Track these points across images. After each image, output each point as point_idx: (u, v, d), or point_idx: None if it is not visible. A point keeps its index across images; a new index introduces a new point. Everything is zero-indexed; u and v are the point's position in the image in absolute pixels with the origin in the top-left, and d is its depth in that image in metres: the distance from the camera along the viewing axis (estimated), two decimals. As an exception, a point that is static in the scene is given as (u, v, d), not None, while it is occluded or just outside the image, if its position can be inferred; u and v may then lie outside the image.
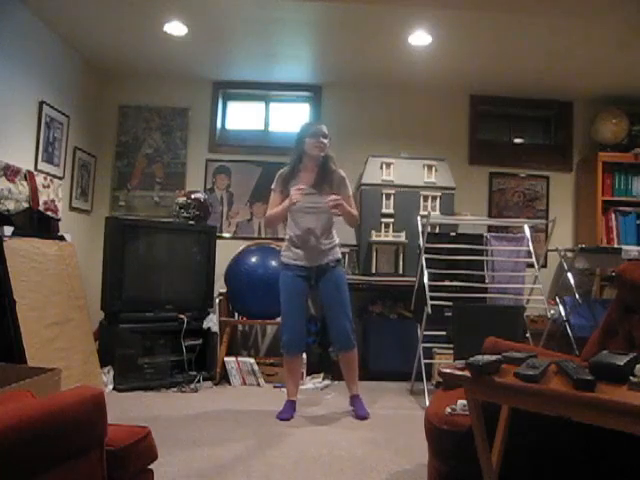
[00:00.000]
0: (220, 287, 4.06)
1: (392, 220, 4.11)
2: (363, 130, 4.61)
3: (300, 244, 3.02)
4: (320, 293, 3.09)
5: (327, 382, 3.85)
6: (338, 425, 2.90)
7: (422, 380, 3.40)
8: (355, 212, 3.08)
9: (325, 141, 3.00)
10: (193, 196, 4.07)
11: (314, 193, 3.00)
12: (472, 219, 4.18)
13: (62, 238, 3.41)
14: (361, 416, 3.01)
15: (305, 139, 3.01)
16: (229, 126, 4.81)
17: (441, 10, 3.27)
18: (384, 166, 4.18)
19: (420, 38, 3.61)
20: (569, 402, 1.25)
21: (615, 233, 4.27)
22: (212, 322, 3.84)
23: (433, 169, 4.21)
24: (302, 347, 3.11)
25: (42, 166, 3.63)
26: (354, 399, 3.12)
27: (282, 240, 4.45)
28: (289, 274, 3.03)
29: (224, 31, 3.67)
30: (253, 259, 3.96)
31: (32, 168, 3.46)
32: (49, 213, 3.44)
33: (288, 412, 3.01)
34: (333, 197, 2.89)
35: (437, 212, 4.10)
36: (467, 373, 1.41)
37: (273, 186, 3.11)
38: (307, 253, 3.01)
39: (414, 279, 3.66)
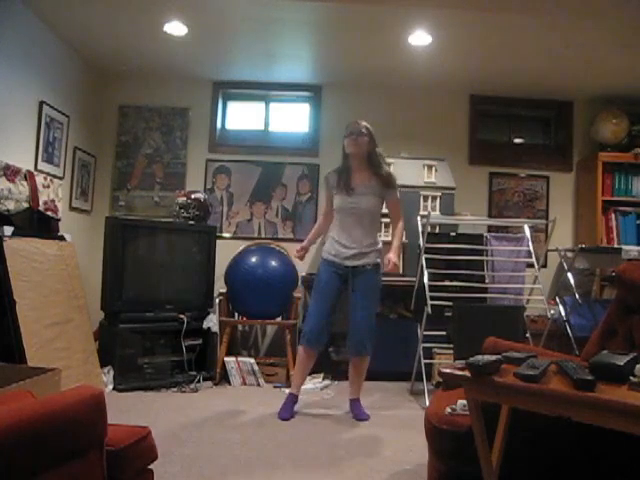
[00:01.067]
0: (220, 287, 4.06)
1: (392, 220, 4.10)
2: (363, 130, 4.61)
3: (341, 242, 3.01)
4: (349, 293, 3.06)
5: (327, 382, 3.85)
6: (338, 425, 2.90)
7: (422, 380, 3.40)
8: (401, 234, 3.10)
9: (361, 138, 2.96)
10: (193, 196, 4.07)
11: (359, 193, 2.98)
12: (472, 219, 4.18)
13: (62, 238, 3.41)
14: (360, 418, 3.00)
15: (344, 140, 3.01)
16: (229, 126, 4.81)
17: (441, 10, 3.27)
18: (384, 166, 4.18)
19: (420, 38, 3.61)
20: (569, 402, 1.25)
21: (615, 233, 4.27)
22: (212, 322, 3.84)
23: (433, 169, 4.21)
24: (321, 343, 3.05)
25: (42, 166, 3.63)
26: (354, 403, 3.11)
27: (282, 240, 4.50)
28: (327, 269, 3.03)
29: (224, 31, 3.67)
30: (253, 259, 3.96)
31: (32, 168, 3.46)
32: (49, 213, 3.44)
33: (288, 410, 3.00)
34: (390, 260, 2.90)
35: (437, 212, 4.10)
36: (467, 373, 1.41)
37: (323, 188, 3.14)
38: (347, 252, 2.99)
39: (414, 279, 3.66)
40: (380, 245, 3.10)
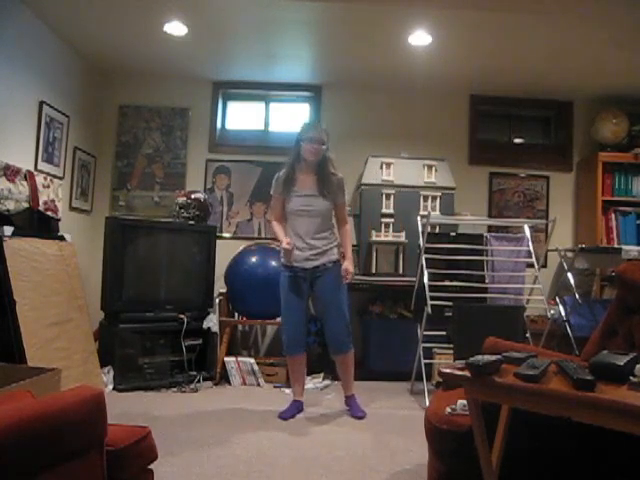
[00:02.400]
0: (220, 287, 4.06)
1: (392, 220, 4.11)
2: (363, 130, 4.61)
3: (297, 246, 3.00)
4: (315, 295, 3.09)
5: (327, 382, 3.85)
6: (338, 425, 2.90)
7: (422, 380, 3.40)
8: (350, 239, 3.14)
9: (322, 147, 2.95)
10: (193, 196, 4.07)
11: (310, 195, 2.99)
12: (472, 219, 4.18)
13: (62, 238, 3.40)
14: (357, 416, 3.01)
15: (301, 143, 2.97)
16: (229, 126, 4.80)
17: (441, 10, 3.27)
18: (384, 166, 4.18)
19: (420, 38, 3.61)
20: (569, 402, 1.25)
21: (615, 233, 4.27)
22: (212, 322, 3.84)
23: (433, 169, 4.21)
24: (303, 346, 3.10)
25: (42, 166, 3.63)
26: (349, 399, 3.13)
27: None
28: (288, 275, 3.03)
29: (224, 31, 3.67)
30: (253, 259, 3.96)
31: (32, 168, 3.46)
32: (49, 213, 3.44)
33: (290, 412, 3.01)
34: (347, 272, 2.94)
35: (437, 212, 4.10)
36: (467, 373, 1.41)
37: (272, 191, 3.10)
38: (304, 254, 3.00)
39: (414, 279, 3.66)
40: (337, 241, 3.10)
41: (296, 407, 3.07)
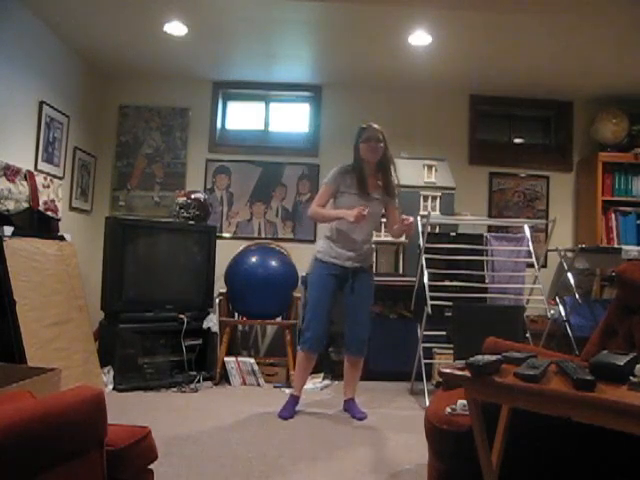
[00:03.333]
0: (220, 287, 4.06)
1: (392, 220, 4.11)
2: (363, 130, 4.60)
3: (343, 244, 2.98)
4: (347, 295, 3.04)
5: (327, 382, 3.85)
6: (338, 425, 2.90)
7: (422, 380, 3.40)
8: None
9: (379, 146, 2.94)
10: (193, 196, 4.07)
11: (369, 197, 2.96)
12: (472, 219, 4.18)
13: (62, 238, 3.40)
14: (358, 418, 3.01)
15: (359, 144, 2.96)
16: (229, 126, 4.81)
17: (441, 10, 3.27)
18: (384, 166, 4.18)
19: (420, 38, 3.61)
20: (569, 402, 1.25)
21: (615, 233, 4.27)
22: (212, 322, 3.84)
23: (433, 169, 4.21)
24: (322, 347, 3.11)
25: (42, 166, 3.63)
26: (350, 402, 3.12)
27: (282, 240, 4.49)
28: (325, 271, 3.00)
29: (224, 31, 3.67)
30: (253, 259, 3.96)
31: (32, 168, 3.46)
32: (49, 213, 3.44)
33: (289, 410, 3.01)
34: (412, 220, 2.80)
35: (437, 212, 4.10)
36: (467, 373, 1.41)
37: (326, 180, 3.03)
38: (348, 254, 2.98)
39: (414, 279, 3.66)
40: (373, 246, 3.11)
41: (293, 402, 3.06)
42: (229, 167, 4.61)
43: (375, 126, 2.99)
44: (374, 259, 3.08)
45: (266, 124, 4.79)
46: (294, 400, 3.08)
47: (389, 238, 4.07)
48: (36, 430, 1.01)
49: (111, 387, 3.40)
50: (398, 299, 4.10)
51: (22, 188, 3.18)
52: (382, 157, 2.99)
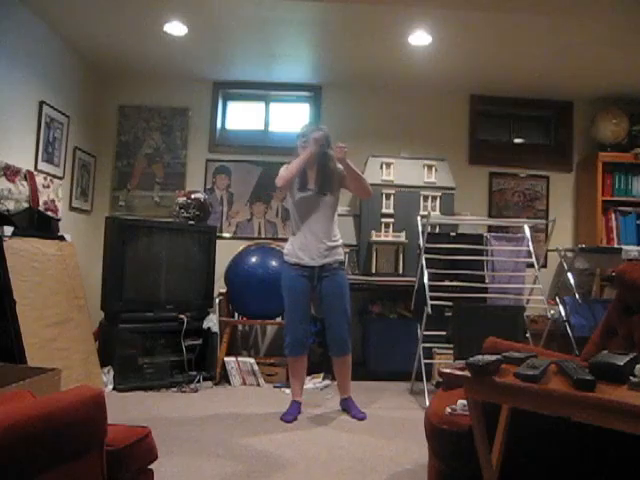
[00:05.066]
0: (220, 287, 4.06)
1: (392, 220, 4.11)
2: (363, 130, 4.61)
3: (303, 243, 3.01)
4: (320, 295, 3.07)
5: (327, 382, 3.84)
6: (338, 425, 2.90)
7: (422, 380, 3.40)
8: (361, 174, 3.06)
9: (317, 136, 2.98)
10: (193, 196, 4.07)
11: (316, 192, 3.00)
12: (472, 219, 4.18)
13: (62, 238, 3.40)
14: (358, 417, 3.00)
15: (305, 143, 3.01)
16: (229, 126, 4.80)
17: (441, 10, 3.27)
18: (384, 166, 4.18)
19: (420, 38, 3.61)
20: (569, 402, 1.25)
21: (615, 233, 4.27)
22: (212, 322, 3.84)
23: (433, 169, 4.21)
24: (306, 348, 3.10)
25: (42, 166, 3.63)
26: (347, 402, 3.12)
27: (282, 240, 4.49)
28: (292, 274, 3.02)
29: (224, 31, 3.67)
30: (253, 259, 3.96)
31: (32, 168, 3.46)
32: (49, 213, 3.43)
33: (292, 414, 3.00)
34: (341, 145, 2.88)
35: (437, 212, 4.10)
36: (467, 373, 1.41)
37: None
38: (310, 252, 3.00)
39: (414, 279, 3.66)
40: (341, 241, 3.12)
41: (297, 408, 3.07)
42: (229, 167, 4.61)
43: (322, 127, 3.11)
44: (342, 254, 3.07)
45: (266, 124, 4.79)
46: (297, 406, 3.08)
47: (389, 238, 4.08)
48: (36, 430, 1.01)
49: (111, 387, 3.40)
50: (398, 299, 4.10)
51: (22, 188, 3.18)
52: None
